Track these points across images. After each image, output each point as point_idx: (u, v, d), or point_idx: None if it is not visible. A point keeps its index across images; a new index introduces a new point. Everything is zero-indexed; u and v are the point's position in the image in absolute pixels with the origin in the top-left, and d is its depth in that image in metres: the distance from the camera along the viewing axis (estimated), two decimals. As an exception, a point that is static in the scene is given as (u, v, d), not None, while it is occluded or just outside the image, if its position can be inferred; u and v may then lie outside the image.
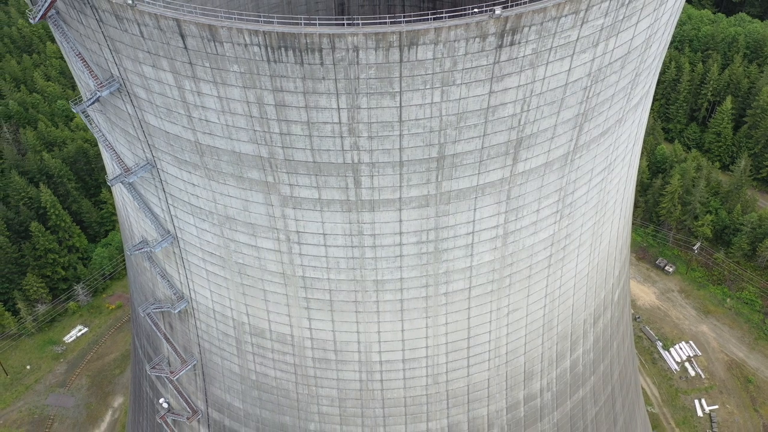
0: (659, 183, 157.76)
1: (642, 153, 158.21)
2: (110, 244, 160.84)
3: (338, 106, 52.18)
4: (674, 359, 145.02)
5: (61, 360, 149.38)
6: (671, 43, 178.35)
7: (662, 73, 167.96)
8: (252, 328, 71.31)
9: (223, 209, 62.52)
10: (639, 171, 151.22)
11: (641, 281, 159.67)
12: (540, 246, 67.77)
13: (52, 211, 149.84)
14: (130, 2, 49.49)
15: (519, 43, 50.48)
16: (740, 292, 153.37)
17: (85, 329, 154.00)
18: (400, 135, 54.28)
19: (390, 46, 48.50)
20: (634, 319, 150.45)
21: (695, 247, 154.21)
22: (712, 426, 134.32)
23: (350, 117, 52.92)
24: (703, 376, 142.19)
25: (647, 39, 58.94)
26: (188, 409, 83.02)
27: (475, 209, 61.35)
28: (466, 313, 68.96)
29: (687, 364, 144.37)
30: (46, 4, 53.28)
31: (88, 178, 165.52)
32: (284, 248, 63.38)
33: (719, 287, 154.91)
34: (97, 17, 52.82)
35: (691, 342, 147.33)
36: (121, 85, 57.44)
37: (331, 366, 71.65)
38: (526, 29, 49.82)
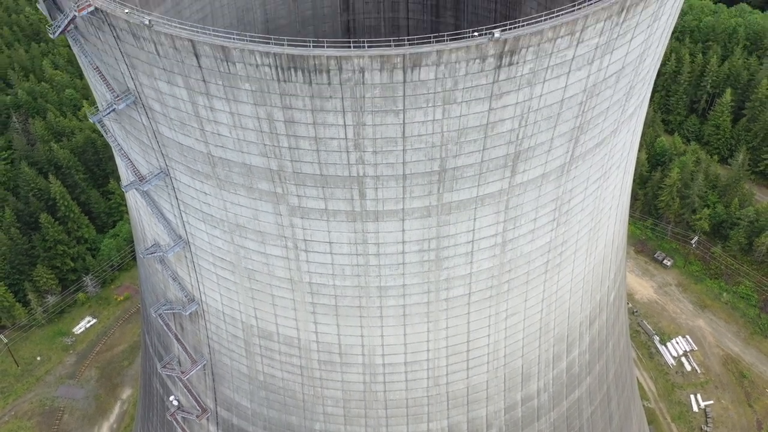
0: (658, 176, 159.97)
1: (641, 145, 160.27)
2: (118, 235, 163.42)
3: (344, 122, 54.63)
4: (671, 354, 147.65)
5: (71, 351, 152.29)
6: (672, 33, 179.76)
7: (663, 64, 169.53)
8: (260, 330, 74.00)
9: (233, 217, 65.05)
10: (638, 163, 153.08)
11: (639, 275, 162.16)
12: (537, 253, 70.28)
13: (61, 202, 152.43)
14: (147, 23, 51.83)
15: (517, 63, 52.84)
16: (737, 287, 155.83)
17: (94, 320, 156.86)
18: (403, 150, 56.73)
19: (394, 67, 50.90)
20: (632, 312, 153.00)
21: (693, 241, 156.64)
22: (707, 421, 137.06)
23: (356, 133, 55.37)
24: (699, 371, 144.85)
25: (641, 54, 61.22)
26: (198, 407, 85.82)
27: (474, 219, 63.84)
28: (466, 318, 71.55)
29: (683, 359, 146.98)
30: (66, 21, 55.64)
31: (96, 168, 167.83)
32: (292, 255, 65.95)
33: (716, 281, 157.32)
34: (115, 35, 55.20)
35: (687, 336, 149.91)
36: (136, 98, 59.89)
37: (336, 368, 74.34)
38: (523, 50, 52.15)
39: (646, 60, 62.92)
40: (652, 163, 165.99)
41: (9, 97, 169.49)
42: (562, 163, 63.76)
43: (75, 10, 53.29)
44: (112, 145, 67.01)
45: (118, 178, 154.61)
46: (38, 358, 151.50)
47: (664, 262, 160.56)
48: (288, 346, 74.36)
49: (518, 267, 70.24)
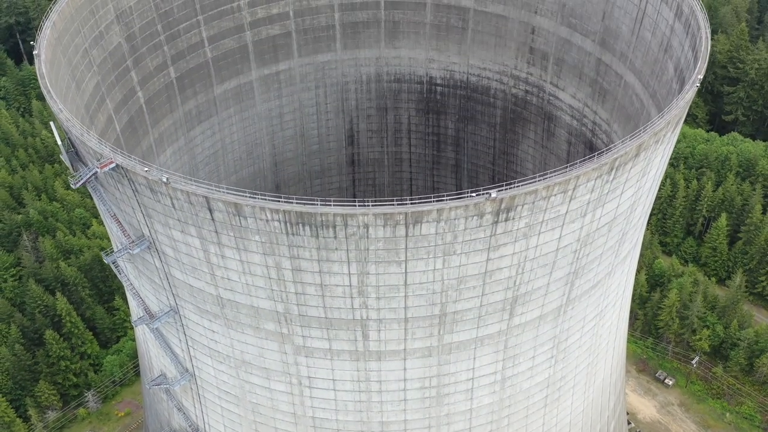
0: (657, 296, 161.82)
1: (640, 266, 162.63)
2: (121, 351, 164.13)
3: (349, 271, 57.41)
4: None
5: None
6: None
7: (659, 188, 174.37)
8: (263, 461, 74.98)
9: (239, 354, 67.09)
10: (637, 284, 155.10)
11: (642, 394, 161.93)
12: (536, 388, 71.92)
13: (67, 318, 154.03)
14: (164, 180, 55.19)
15: (513, 218, 55.95)
16: (739, 407, 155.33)
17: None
18: (405, 296, 59.32)
19: (397, 223, 53.99)
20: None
21: (694, 362, 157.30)
22: None
23: (360, 281, 58.09)
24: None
25: (632, 205, 64.45)
26: None
27: (474, 358, 65.87)
28: (466, 453, 72.64)
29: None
30: (88, 175, 59.08)
31: (102, 284, 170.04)
32: (296, 391, 67.69)
33: (718, 401, 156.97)
34: (133, 188, 58.59)
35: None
36: (150, 243, 62.87)
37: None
38: (519, 207, 55.34)
39: (637, 209, 66.14)
40: (651, 284, 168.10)
41: (20, 216, 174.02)
42: (559, 305, 66.16)
43: (97, 167, 56.79)
44: (124, 283, 69.68)
45: (123, 295, 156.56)
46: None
47: (666, 381, 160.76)
48: (290, 477, 75.09)
49: (517, 402, 71.74)
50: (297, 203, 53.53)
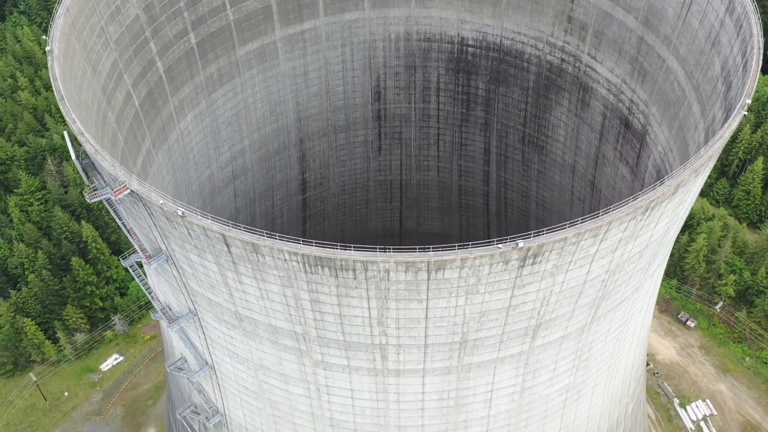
0: (685, 239, 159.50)
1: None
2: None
3: (369, 306, 56.13)
4: (690, 418, 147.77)
5: (98, 388, 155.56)
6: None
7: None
8: (282, 448, 76.15)
9: (258, 360, 66.92)
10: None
11: (662, 335, 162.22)
12: (556, 394, 71.50)
13: (92, 245, 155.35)
14: (180, 214, 53.44)
15: (540, 262, 53.88)
16: (760, 352, 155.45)
17: (121, 358, 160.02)
18: (425, 327, 58.17)
19: (418, 270, 52.19)
20: (653, 374, 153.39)
21: (717, 307, 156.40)
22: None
23: (379, 314, 56.88)
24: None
25: (666, 230, 61.92)
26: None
27: (494, 374, 65.20)
28: (483, 452, 73.12)
29: (702, 423, 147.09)
30: (104, 196, 57.36)
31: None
32: (314, 396, 67.79)
33: (739, 345, 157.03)
34: (149, 212, 56.96)
35: (708, 401, 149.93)
36: (168, 257, 61.70)
37: (354, 488, 76.27)
38: (547, 253, 53.19)
39: (671, 231, 63.62)
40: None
41: (45, 140, 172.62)
42: (583, 324, 64.78)
43: (111, 194, 55.04)
44: (141, 286, 69.03)
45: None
46: (66, 394, 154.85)
47: (688, 323, 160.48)
48: (308, 464, 76.39)
49: (536, 407, 71.54)
50: (316, 247, 51.78)
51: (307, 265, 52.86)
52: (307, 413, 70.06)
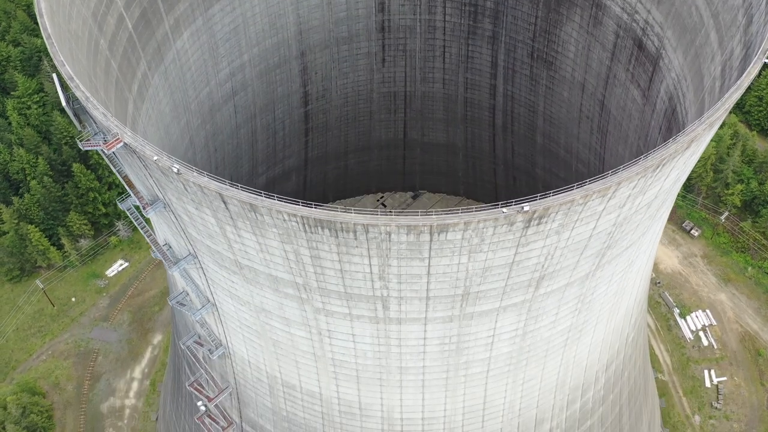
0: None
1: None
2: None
3: (370, 264, 55.06)
4: (689, 327, 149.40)
5: (104, 294, 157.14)
6: None
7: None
8: (284, 382, 76.76)
9: (259, 303, 66.49)
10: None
11: (666, 243, 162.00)
12: (557, 335, 71.37)
13: (93, 150, 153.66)
14: (175, 170, 51.69)
15: (545, 222, 52.41)
16: (762, 262, 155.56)
17: (126, 264, 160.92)
18: (427, 282, 57.28)
19: (420, 232, 50.83)
20: (655, 283, 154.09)
21: (722, 217, 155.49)
22: (718, 397, 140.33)
23: (381, 270, 55.88)
24: (715, 347, 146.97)
25: (676, 180, 60.09)
26: (224, 419, 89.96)
27: (496, 321, 64.80)
28: (483, 387, 73.67)
29: (701, 333, 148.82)
30: (97, 147, 55.41)
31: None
32: (316, 338, 67.74)
33: (742, 255, 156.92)
34: (144, 164, 55.17)
35: (707, 311, 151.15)
36: (166, 205, 60.28)
37: (355, 418, 77.41)
38: (552, 214, 51.65)
39: (681, 179, 61.75)
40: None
41: (40, 40, 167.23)
42: (588, 272, 63.87)
43: (103, 147, 53.10)
44: (141, 230, 67.80)
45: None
46: (73, 299, 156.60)
47: (692, 231, 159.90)
48: (310, 396, 77.29)
49: (537, 347, 71.59)
50: (316, 209, 50.26)
51: (306, 225, 51.52)
52: (309, 353, 70.22)
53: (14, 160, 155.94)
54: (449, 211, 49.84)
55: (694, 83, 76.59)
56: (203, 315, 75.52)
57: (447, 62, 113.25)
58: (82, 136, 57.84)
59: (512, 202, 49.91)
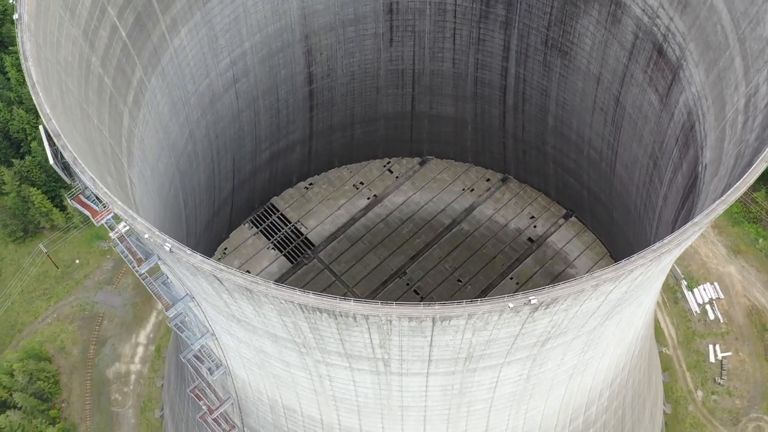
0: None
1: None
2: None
3: (371, 338, 53.38)
4: (696, 300, 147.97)
5: (108, 256, 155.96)
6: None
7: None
8: (285, 405, 76.19)
9: (259, 346, 65.17)
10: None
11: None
12: (562, 373, 70.13)
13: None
14: (168, 249, 49.51)
15: (554, 307, 50.39)
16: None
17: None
18: (429, 350, 55.68)
19: (422, 321, 48.91)
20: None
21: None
22: (721, 373, 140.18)
23: (382, 341, 54.24)
24: (721, 321, 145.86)
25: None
26: (226, 423, 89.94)
27: (500, 372, 63.49)
28: (485, 420, 72.92)
29: (708, 307, 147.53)
30: (86, 212, 53.04)
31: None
32: (316, 380, 66.67)
33: (754, 226, 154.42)
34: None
35: (715, 284, 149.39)
36: (159, 259, 58.29)
37: (356, 442, 77.19)
38: (561, 300, 49.56)
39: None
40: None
41: None
42: (595, 326, 62.11)
43: (92, 218, 50.84)
44: (144, 283, 65.63)
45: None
46: (77, 262, 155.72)
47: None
48: (311, 420, 76.80)
49: (541, 385, 70.47)
50: (314, 297, 48.19)
51: (305, 310, 49.62)
52: (309, 389, 69.29)
53: (14, 119, 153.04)
54: (450, 303, 47.78)
55: (715, 107, 73.16)
56: (203, 342, 74.45)
57: (457, 43, 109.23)
58: (72, 191, 55.35)
59: (519, 294, 47.76)
